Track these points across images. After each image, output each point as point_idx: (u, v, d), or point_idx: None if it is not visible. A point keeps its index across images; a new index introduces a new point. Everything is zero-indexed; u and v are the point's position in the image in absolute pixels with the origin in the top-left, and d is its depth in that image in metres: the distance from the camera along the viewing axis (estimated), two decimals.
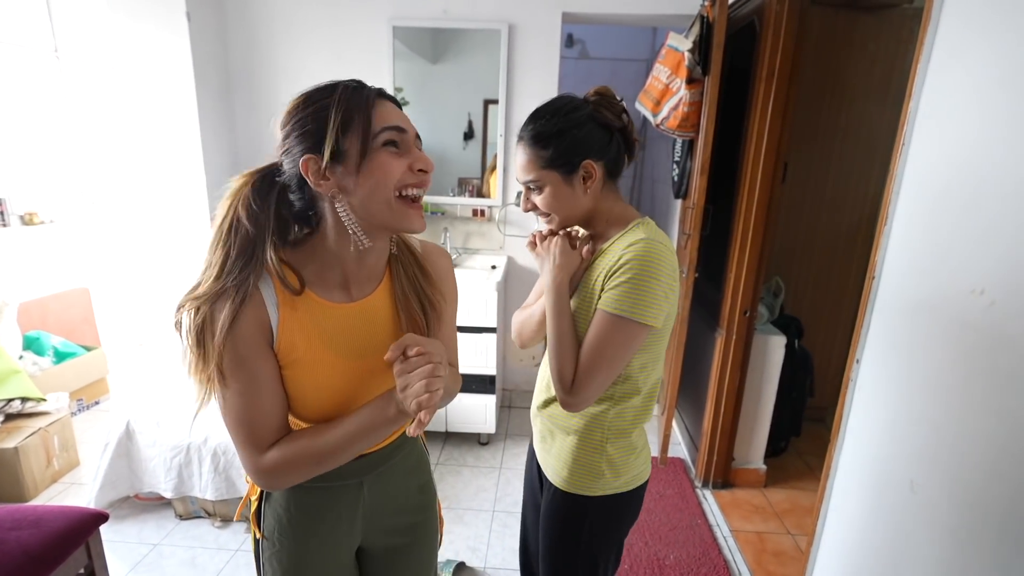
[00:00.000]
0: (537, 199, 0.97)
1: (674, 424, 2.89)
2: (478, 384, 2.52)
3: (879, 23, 2.42)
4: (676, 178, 2.48)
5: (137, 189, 2.73)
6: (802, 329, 2.41)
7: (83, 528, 1.39)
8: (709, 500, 2.27)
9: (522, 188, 0.99)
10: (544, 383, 1.07)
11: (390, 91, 0.77)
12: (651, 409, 1.04)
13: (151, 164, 2.67)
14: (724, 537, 2.05)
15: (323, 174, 0.70)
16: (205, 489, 1.95)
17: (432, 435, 2.67)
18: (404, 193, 0.73)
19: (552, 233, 1.01)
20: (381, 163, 0.70)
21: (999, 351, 0.98)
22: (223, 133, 2.78)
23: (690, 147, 2.28)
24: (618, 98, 0.96)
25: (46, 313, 2.86)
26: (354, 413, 0.75)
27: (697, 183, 2.13)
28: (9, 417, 2.22)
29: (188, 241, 2.73)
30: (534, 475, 1.16)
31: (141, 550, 1.90)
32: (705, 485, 2.36)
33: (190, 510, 2.06)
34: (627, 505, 1.05)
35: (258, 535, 0.89)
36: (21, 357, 2.58)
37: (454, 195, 2.92)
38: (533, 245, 1.04)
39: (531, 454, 1.18)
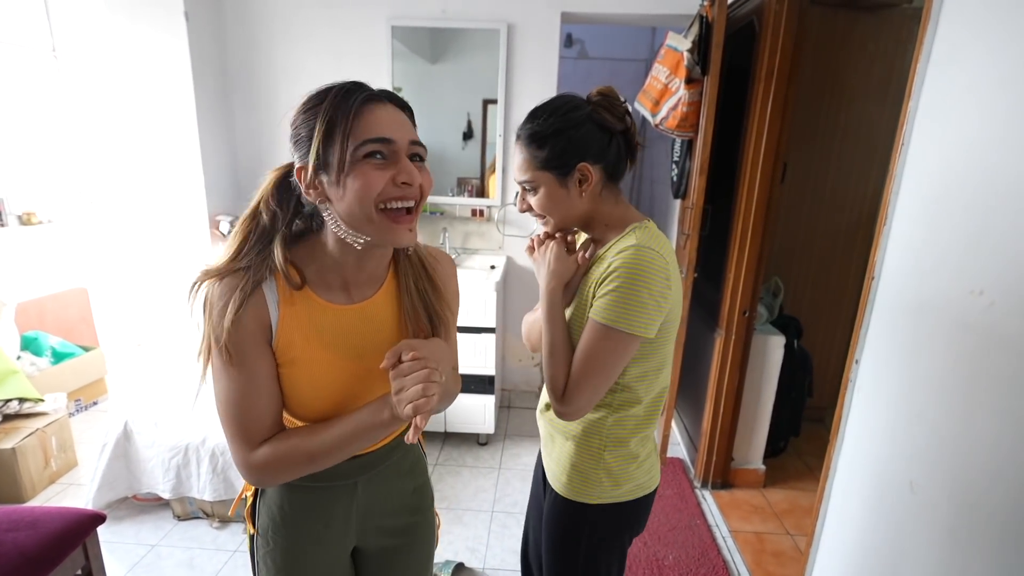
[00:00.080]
0: (532, 200, 0.95)
1: (673, 424, 2.89)
2: (477, 384, 2.52)
3: (878, 23, 2.42)
4: (675, 178, 2.48)
5: (135, 189, 2.73)
6: (801, 329, 2.41)
7: (80, 529, 1.38)
8: (708, 500, 2.27)
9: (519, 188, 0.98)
10: None
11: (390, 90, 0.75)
12: (655, 420, 1.00)
13: (149, 164, 2.67)
14: (723, 537, 2.05)
15: (312, 183, 0.70)
16: (203, 490, 1.94)
17: (431, 435, 2.67)
18: (387, 206, 0.70)
19: (549, 236, 0.99)
20: (361, 175, 0.67)
21: (999, 352, 0.97)
22: (221, 133, 2.78)
23: (689, 147, 2.28)
24: (622, 99, 0.93)
25: (44, 313, 2.86)
26: (348, 415, 0.75)
27: (696, 183, 2.12)
28: (7, 418, 2.22)
29: (187, 241, 2.73)
30: (539, 476, 1.15)
31: (139, 551, 1.89)
32: (704, 485, 2.36)
33: (188, 511, 2.05)
34: (628, 515, 1.02)
35: (252, 530, 0.90)
36: (19, 357, 2.58)
37: (453, 195, 2.92)
38: (531, 250, 1.02)
39: (540, 454, 1.17)
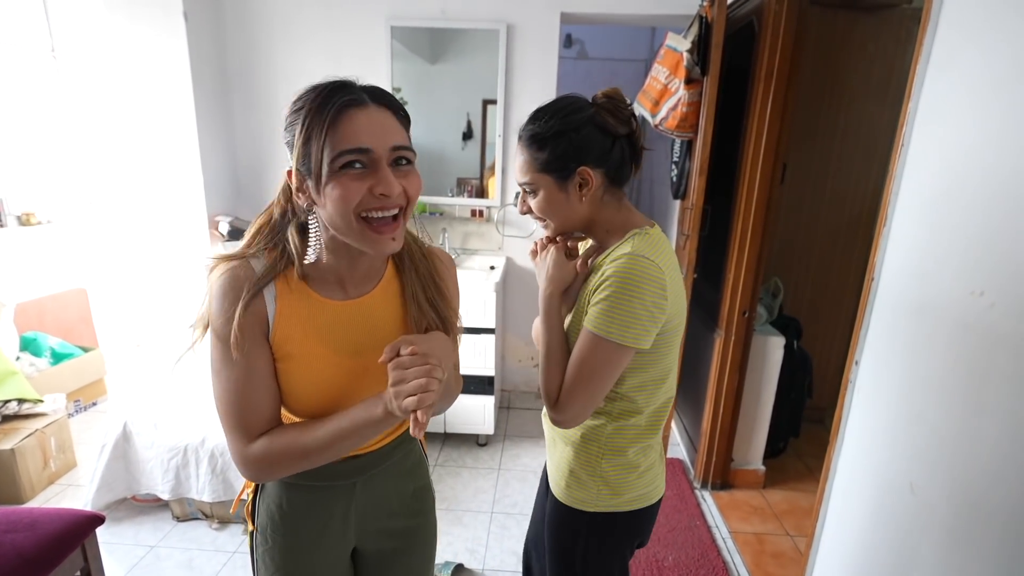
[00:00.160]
0: (532, 203, 0.93)
1: (673, 425, 2.89)
2: (477, 385, 2.52)
3: (878, 23, 2.42)
4: (675, 178, 2.48)
5: (135, 189, 2.73)
6: (801, 330, 2.41)
7: (79, 530, 1.38)
8: (708, 501, 2.27)
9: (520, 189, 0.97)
10: None
11: (389, 91, 0.75)
12: (658, 431, 0.98)
13: (149, 164, 2.66)
14: (723, 538, 2.05)
15: (300, 186, 0.71)
16: (202, 491, 1.94)
17: (431, 436, 2.67)
18: (367, 216, 0.69)
19: (551, 241, 0.98)
20: (339, 186, 0.66)
21: (999, 353, 0.97)
22: (220, 134, 2.78)
23: (689, 147, 2.28)
24: (628, 102, 0.91)
25: (43, 314, 2.85)
26: (343, 412, 0.75)
27: (696, 183, 2.12)
28: (6, 418, 2.21)
29: (186, 241, 2.73)
30: (545, 478, 1.14)
31: (138, 552, 1.89)
32: (704, 486, 2.35)
33: (187, 512, 2.05)
34: (628, 525, 1.00)
35: (251, 528, 0.90)
36: (18, 358, 2.57)
37: (452, 195, 2.91)
38: (534, 254, 1.01)
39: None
